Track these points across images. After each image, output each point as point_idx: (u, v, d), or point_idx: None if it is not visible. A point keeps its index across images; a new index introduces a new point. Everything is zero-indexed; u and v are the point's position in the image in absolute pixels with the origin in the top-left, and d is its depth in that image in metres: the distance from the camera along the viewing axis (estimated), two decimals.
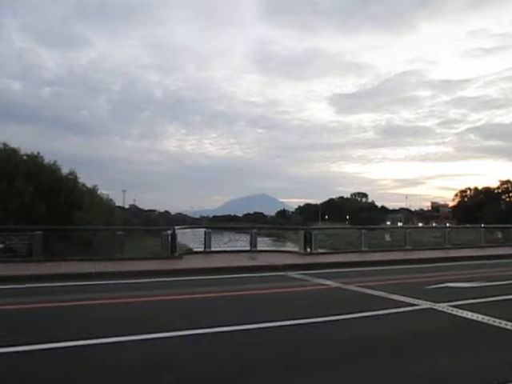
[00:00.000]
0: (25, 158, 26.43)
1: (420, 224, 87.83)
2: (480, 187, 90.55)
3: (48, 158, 27.75)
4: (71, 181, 28.09)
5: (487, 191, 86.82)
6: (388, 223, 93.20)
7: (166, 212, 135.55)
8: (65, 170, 28.41)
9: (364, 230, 18.55)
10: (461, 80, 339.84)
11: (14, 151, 26.11)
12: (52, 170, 26.92)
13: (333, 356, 4.71)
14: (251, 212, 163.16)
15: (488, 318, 6.24)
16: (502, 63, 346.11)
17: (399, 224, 79.02)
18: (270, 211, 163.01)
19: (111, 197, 37.02)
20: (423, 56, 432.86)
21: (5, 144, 26.03)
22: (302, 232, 17.42)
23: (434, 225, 72.72)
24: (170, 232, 14.89)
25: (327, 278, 10.47)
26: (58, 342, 4.93)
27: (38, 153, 27.29)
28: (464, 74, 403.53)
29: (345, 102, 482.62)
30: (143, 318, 6.46)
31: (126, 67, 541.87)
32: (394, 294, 8.27)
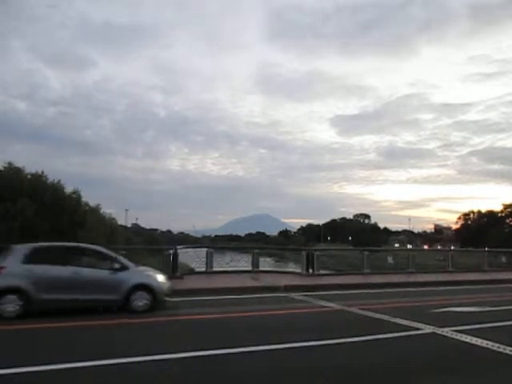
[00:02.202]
0: (29, 177, 26.58)
1: (425, 246, 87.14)
2: (483, 210, 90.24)
3: (52, 177, 27.91)
4: (74, 200, 28.13)
5: (491, 215, 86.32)
6: (397, 245, 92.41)
7: (169, 231, 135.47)
8: (68, 189, 28.53)
9: (367, 252, 18.46)
10: (462, 104, 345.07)
11: (19, 170, 26.27)
12: (56, 189, 27.02)
13: (330, 381, 4.65)
14: (253, 232, 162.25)
15: (492, 343, 6.16)
16: (503, 88, 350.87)
17: (409, 246, 77.99)
18: (273, 231, 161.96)
19: (114, 215, 36.96)
20: (424, 80, 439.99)
21: (9, 163, 26.21)
22: (304, 253, 17.35)
23: (438, 247, 72.22)
24: (171, 251, 14.86)
25: (330, 300, 10.38)
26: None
27: (42, 172, 27.43)
28: (465, 97, 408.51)
29: (347, 124, 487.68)
30: (144, 341, 6.42)
31: (131, 88, 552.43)
32: (397, 317, 8.19)
